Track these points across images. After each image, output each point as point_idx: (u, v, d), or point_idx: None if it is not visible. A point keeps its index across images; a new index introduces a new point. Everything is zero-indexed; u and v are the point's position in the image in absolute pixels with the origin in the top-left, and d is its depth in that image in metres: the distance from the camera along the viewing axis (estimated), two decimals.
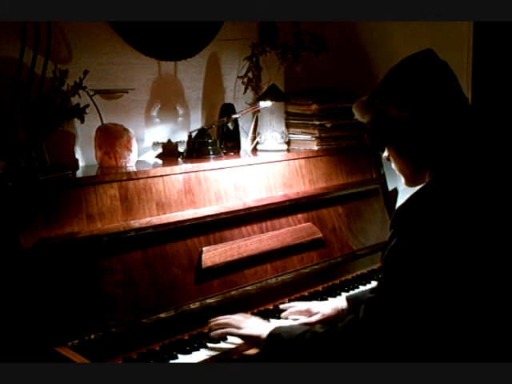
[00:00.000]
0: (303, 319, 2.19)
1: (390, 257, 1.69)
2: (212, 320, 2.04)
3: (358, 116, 1.88)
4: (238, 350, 2.00)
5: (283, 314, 2.25)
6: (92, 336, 1.89)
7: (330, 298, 2.40)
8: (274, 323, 2.17)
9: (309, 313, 2.22)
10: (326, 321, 2.15)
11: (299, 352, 1.79)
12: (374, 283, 2.53)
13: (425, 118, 1.71)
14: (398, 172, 1.85)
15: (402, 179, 1.86)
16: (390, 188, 3.08)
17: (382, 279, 1.70)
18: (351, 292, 2.45)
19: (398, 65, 1.80)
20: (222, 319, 2.03)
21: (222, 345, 2.01)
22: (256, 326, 1.96)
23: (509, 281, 1.68)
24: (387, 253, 1.70)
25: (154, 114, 2.69)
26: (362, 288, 2.51)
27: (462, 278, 1.64)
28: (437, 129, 1.71)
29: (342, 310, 2.21)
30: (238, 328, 1.97)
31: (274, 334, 1.88)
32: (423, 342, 1.67)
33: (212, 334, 2.01)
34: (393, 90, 1.75)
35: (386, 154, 1.86)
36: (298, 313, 2.24)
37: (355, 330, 1.69)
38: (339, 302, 2.23)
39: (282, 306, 2.29)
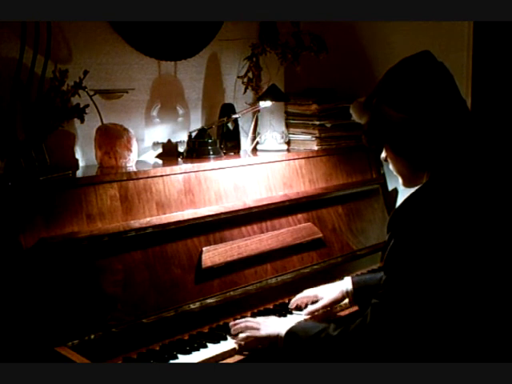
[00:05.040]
0: (311, 306, 2.24)
1: (390, 260, 1.70)
2: (232, 324, 2.06)
3: (355, 117, 1.88)
4: (237, 350, 2.00)
5: (293, 300, 2.30)
6: (92, 336, 1.89)
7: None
8: (279, 319, 2.18)
9: (316, 298, 2.27)
10: (333, 304, 2.25)
11: (314, 352, 1.83)
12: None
13: (422, 119, 1.71)
14: (395, 173, 1.86)
15: (400, 180, 1.86)
16: (390, 188, 3.08)
17: (384, 283, 1.71)
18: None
19: (395, 66, 1.80)
20: (241, 323, 2.05)
21: (222, 345, 2.01)
22: (274, 325, 1.99)
23: (506, 277, 1.69)
24: (386, 256, 1.71)
25: (154, 114, 2.69)
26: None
27: (462, 277, 1.65)
28: (434, 129, 1.71)
29: (347, 292, 2.23)
30: (257, 329, 1.99)
31: (291, 333, 1.91)
32: (429, 342, 1.67)
33: (235, 339, 2.02)
34: (390, 91, 1.75)
35: (383, 154, 1.86)
36: (307, 299, 2.29)
37: (364, 335, 1.72)
38: (344, 285, 2.25)
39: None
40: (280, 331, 1.94)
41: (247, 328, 2.02)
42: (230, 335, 2.05)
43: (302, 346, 1.87)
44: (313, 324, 2.02)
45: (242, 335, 2.01)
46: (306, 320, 2.20)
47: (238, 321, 2.08)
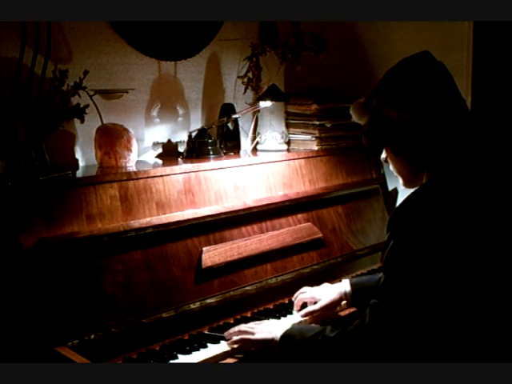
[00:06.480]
0: (309, 307, 2.23)
1: (389, 260, 1.71)
2: (226, 333, 2.04)
3: (355, 118, 1.88)
4: (237, 350, 2.00)
5: (295, 303, 2.30)
6: (92, 336, 1.89)
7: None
8: (274, 322, 2.18)
9: (313, 299, 2.27)
10: (331, 306, 2.23)
11: (311, 354, 1.81)
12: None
13: (422, 118, 1.71)
14: (395, 173, 1.86)
15: (400, 180, 1.86)
16: (390, 188, 3.08)
17: (383, 283, 1.71)
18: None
19: (394, 66, 1.80)
20: (235, 328, 2.04)
21: (223, 345, 2.01)
22: (268, 329, 1.98)
23: (506, 277, 1.69)
24: (386, 256, 1.72)
25: (154, 114, 2.69)
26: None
27: (462, 277, 1.65)
28: (434, 129, 1.72)
29: (345, 294, 2.23)
30: (252, 334, 1.98)
31: (287, 336, 1.90)
32: (428, 342, 1.67)
33: (228, 342, 2.01)
34: (390, 92, 1.76)
35: (383, 155, 1.86)
36: (305, 300, 2.29)
37: (363, 335, 1.71)
38: (342, 287, 2.25)
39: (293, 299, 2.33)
40: (275, 335, 1.92)
41: (241, 333, 2.00)
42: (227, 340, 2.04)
43: (299, 349, 1.86)
44: (308, 327, 2.03)
45: (235, 337, 2.00)
46: (302, 322, 2.20)
47: (231, 329, 2.05)
